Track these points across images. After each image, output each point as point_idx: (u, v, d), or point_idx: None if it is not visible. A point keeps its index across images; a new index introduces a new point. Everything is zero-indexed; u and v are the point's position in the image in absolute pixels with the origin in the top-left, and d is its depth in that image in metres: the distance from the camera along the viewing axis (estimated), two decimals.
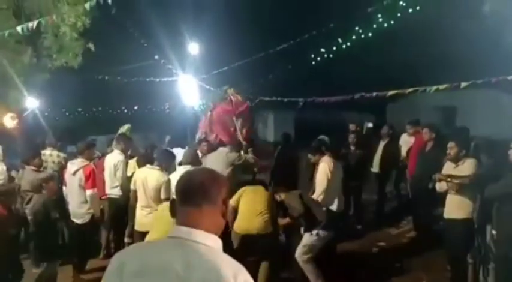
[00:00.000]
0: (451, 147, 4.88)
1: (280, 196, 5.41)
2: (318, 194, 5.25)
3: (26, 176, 6.18)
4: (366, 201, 8.09)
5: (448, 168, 5.00)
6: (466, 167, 4.78)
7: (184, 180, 1.64)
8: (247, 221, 5.09)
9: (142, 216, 5.32)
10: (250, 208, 5.14)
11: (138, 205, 5.41)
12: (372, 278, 5.68)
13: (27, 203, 6.07)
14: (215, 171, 1.77)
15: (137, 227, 5.37)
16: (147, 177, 5.30)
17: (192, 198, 1.57)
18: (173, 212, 1.64)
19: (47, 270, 5.06)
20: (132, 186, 5.54)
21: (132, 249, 1.56)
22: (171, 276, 1.41)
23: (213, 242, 1.54)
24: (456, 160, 4.89)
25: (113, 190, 6.29)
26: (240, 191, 5.27)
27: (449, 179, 4.81)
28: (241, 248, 4.98)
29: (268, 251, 5.11)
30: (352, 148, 7.61)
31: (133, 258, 1.49)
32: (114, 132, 7.16)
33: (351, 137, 7.68)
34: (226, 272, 1.42)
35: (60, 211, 5.33)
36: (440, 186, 5.02)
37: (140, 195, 5.36)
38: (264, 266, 5.06)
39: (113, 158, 6.38)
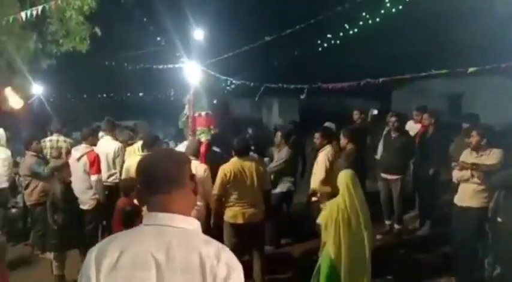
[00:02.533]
0: (473, 136, 4.73)
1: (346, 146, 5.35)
2: (315, 183, 5.25)
3: (26, 161, 6.19)
4: (369, 188, 8.05)
5: (469, 157, 4.81)
6: (492, 157, 4.62)
7: (146, 171, 1.57)
8: None
9: None
10: None
11: None
12: (376, 265, 5.70)
13: (26, 188, 6.12)
14: (173, 151, 1.77)
15: None
16: None
17: (159, 188, 1.53)
18: (141, 201, 1.60)
19: (60, 256, 5.12)
20: (124, 175, 5.27)
21: (108, 241, 1.48)
22: (151, 264, 1.37)
23: (191, 225, 1.51)
24: (477, 149, 4.73)
25: (111, 178, 6.26)
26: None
27: (474, 167, 4.65)
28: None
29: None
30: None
31: (110, 250, 1.42)
32: (120, 119, 7.12)
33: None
34: (208, 253, 1.40)
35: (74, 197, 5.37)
36: (461, 174, 4.81)
37: None
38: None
39: (111, 145, 6.36)
